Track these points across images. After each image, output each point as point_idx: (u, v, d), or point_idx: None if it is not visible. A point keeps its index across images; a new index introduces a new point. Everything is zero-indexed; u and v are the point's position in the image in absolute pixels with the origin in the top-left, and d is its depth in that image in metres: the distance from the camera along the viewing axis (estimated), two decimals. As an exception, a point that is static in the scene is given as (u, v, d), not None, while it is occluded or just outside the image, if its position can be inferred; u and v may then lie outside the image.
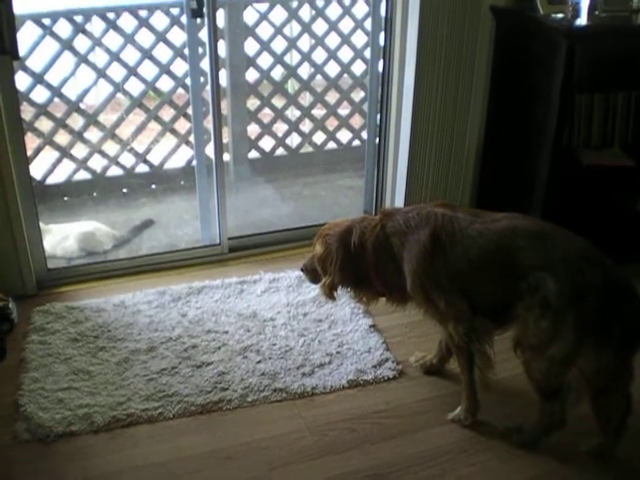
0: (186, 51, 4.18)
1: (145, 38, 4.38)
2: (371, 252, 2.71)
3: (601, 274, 2.43)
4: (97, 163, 4.56)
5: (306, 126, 4.98)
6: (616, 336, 2.38)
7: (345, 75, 4.91)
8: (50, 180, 4.51)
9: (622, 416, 2.54)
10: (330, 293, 2.84)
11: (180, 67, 4.45)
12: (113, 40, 4.32)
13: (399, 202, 3.93)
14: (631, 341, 2.43)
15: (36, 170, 4.26)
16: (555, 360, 2.44)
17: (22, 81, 4.10)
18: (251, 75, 4.62)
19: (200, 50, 4.00)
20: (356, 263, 2.74)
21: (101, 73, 4.35)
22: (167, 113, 4.58)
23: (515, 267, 2.49)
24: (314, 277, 2.92)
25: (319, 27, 4.76)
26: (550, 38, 3.35)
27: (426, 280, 2.62)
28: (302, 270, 2.98)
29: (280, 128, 4.92)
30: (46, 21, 4.17)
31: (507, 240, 2.52)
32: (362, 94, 4.96)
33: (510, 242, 2.52)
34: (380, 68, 3.91)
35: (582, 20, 3.35)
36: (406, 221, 2.66)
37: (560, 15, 3.36)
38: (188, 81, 4.19)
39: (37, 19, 4.15)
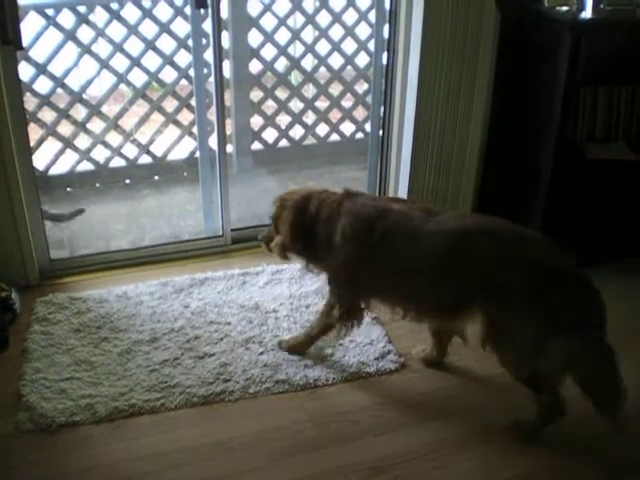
0: (190, 42, 4.19)
1: (149, 29, 4.36)
2: (323, 224, 2.81)
3: (556, 265, 2.50)
4: (100, 154, 4.55)
5: (309, 118, 4.98)
6: (579, 322, 2.45)
7: (349, 67, 4.90)
8: (53, 171, 4.50)
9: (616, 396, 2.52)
10: (281, 252, 2.98)
11: (183, 58, 4.44)
12: (116, 31, 4.31)
13: (402, 194, 3.93)
14: (594, 324, 2.50)
15: (39, 161, 4.26)
16: (523, 353, 2.52)
17: (25, 71, 4.09)
18: (254, 66, 4.62)
19: (204, 41, 4.00)
20: (307, 230, 2.86)
21: (104, 64, 4.34)
22: (170, 104, 4.58)
23: (469, 266, 2.54)
24: (268, 242, 3.06)
25: (323, 19, 4.74)
26: (555, 31, 3.34)
27: (347, 267, 2.78)
28: (259, 239, 3.12)
29: (283, 120, 4.91)
30: (49, 11, 4.15)
31: (459, 241, 2.57)
32: (366, 86, 4.95)
33: (462, 243, 2.56)
34: (384, 60, 3.89)
35: (587, 13, 3.32)
36: (363, 209, 2.75)
37: (565, 8, 3.35)
38: (191, 72, 4.19)
39: (40, 9, 4.13)
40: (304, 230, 2.87)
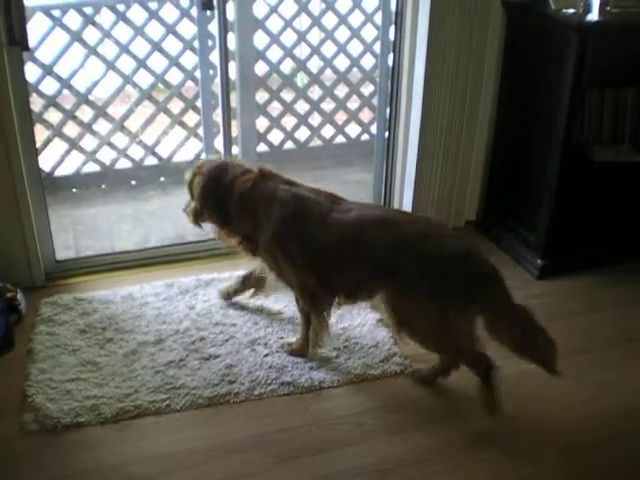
0: (196, 44, 4.19)
1: (155, 30, 4.37)
2: (236, 200, 2.91)
3: (448, 245, 2.68)
4: (106, 155, 4.55)
5: (315, 120, 4.97)
6: (480, 291, 2.65)
7: (355, 69, 4.89)
8: (59, 172, 4.51)
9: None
10: (194, 219, 3.09)
11: (190, 60, 4.44)
12: (123, 32, 4.32)
13: (408, 196, 3.92)
14: (498, 290, 2.69)
15: (45, 162, 4.27)
16: (431, 329, 2.74)
17: (32, 72, 4.10)
18: (260, 68, 4.61)
19: (210, 43, 4.00)
20: (220, 200, 2.95)
21: (110, 65, 4.34)
22: (176, 106, 4.58)
23: (368, 252, 2.72)
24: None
25: (329, 20, 4.74)
26: (561, 33, 3.33)
27: (278, 252, 2.88)
28: (182, 210, 3.18)
29: (289, 122, 4.91)
30: (56, 12, 4.16)
31: (358, 229, 2.74)
32: (371, 88, 4.94)
33: (361, 231, 2.73)
34: (390, 62, 3.89)
35: (593, 16, 3.32)
36: (277, 192, 2.86)
37: (571, 10, 3.34)
38: (197, 74, 4.20)
39: (47, 10, 4.14)
40: (215, 198, 2.97)
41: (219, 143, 3.88)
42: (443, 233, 2.77)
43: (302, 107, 4.93)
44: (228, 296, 3.39)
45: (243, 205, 2.91)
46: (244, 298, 3.39)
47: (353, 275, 2.82)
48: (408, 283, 2.65)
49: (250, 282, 3.31)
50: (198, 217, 3.08)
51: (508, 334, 2.66)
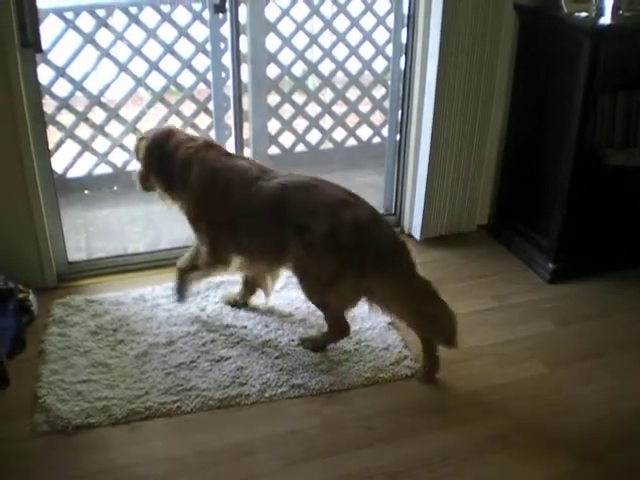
0: (208, 46, 4.19)
1: (167, 33, 4.38)
2: (178, 165, 3.07)
3: (361, 213, 2.83)
4: (118, 157, 4.56)
5: (326, 122, 4.97)
6: (381, 263, 2.79)
7: (366, 72, 4.89)
8: (71, 173, 4.52)
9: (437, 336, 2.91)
10: (141, 182, 3.26)
11: (202, 62, 4.45)
12: (135, 34, 4.33)
13: (419, 199, 3.92)
14: (401, 261, 2.85)
15: (57, 163, 4.28)
16: (324, 288, 2.90)
17: (44, 74, 4.11)
18: (272, 71, 4.62)
19: (222, 45, 4.00)
20: (164, 164, 3.12)
21: (123, 67, 4.35)
22: (188, 108, 4.59)
23: (286, 215, 2.88)
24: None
25: (341, 23, 4.74)
26: (574, 37, 3.33)
27: (199, 213, 3.08)
28: (133, 179, 3.32)
29: (300, 124, 4.91)
30: (69, 15, 4.17)
31: (279, 194, 2.90)
32: (383, 91, 4.94)
33: (281, 195, 2.90)
34: (402, 65, 3.89)
35: (606, 19, 3.31)
36: (216, 161, 3.05)
37: (584, 14, 3.33)
38: (210, 76, 4.20)
39: (60, 12, 4.15)
40: (159, 161, 3.13)
41: (231, 145, 3.88)
42: (359, 203, 2.90)
43: (313, 110, 4.93)
44: (235, 303, 3.41)
45: (184, 170, 3.06)
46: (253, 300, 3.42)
47: (273, 237, 2.96)
48: (316, 244, 2.82)
49: (252, 284, 3.36)
50: (145, 181, 3.23)
51: (408, 304, 2.84)
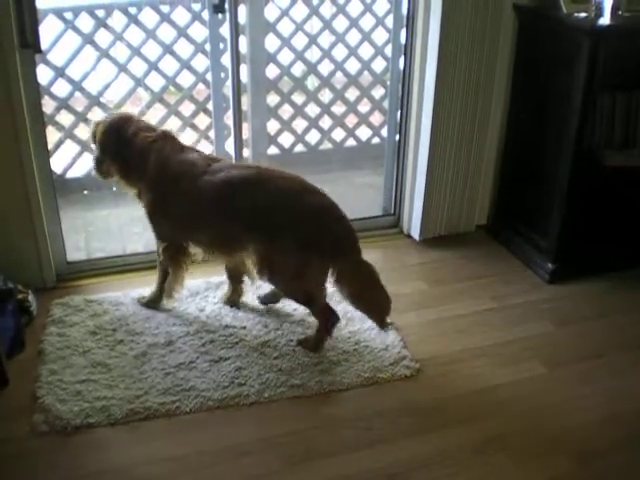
0: (207, 47, 4.19)
1: (166, 33, 4.38)
2: (135, 153, 3.10)
3: (315, 201, 2.92)
4: (117, 157, 4.56)
5: (326, 123, 4.97)
6: (336, 247, 2.91)
7: (365, 72, 4.88)
8: (70, 174, 4.52)
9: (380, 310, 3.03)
10: (98, 167, 3.24)
11: (201, 62, 4.44)
12: (134, 35, 4.33)
13: (418, 200, 3.92)
14: (349, 247, 2.95)
15: (57, 164, 4.28)
16: (294, 277, 2.96)
17: (44, 75, 4.11)
18: (271, 71, 4.62)
19: (221, 46, 4.01)
20: (120, 149, 3.13)
21: (122, 68, 4.35)
22: (187, 108, 4.59)
23: (239, 209, 2.94)
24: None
25: (340, 24, 4.74)
26: (573, 37, 3.33)
27: (155, 206, 3.11)
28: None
29: (300, 124, 4.91)
30: (68, 15, 4.17)
31: (226, 188, 2.95)
32: (382, 91, 4.94)
33: (229, 190, 2.95)
34: (401, 65, 3.90)
35: (605, 20, 3.31)
36: (171, 155, 3.08)
37: (583, 14, 3.33)
38: (209, 76, 4.19)
39: (59, 13, 4.15)
40: (116, 146, 3.14)
41: (230, 145, 3.89)
42: (310, 190, 2.96)
43: (313, 110, 4.93)
44: (234, 303, 3.42)
45: (140, 160, 3.09)
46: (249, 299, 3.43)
47: (226, 230, 3.02)
48: (277, 235, 2.88)
49: (235, 272, 3.38)
50: (101, 167, 3.23)
51: (353, 286, 2.94)
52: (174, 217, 3.11)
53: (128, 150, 3.11)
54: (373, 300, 3.02)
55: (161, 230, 3.19)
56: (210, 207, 3.00)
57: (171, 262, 3.23)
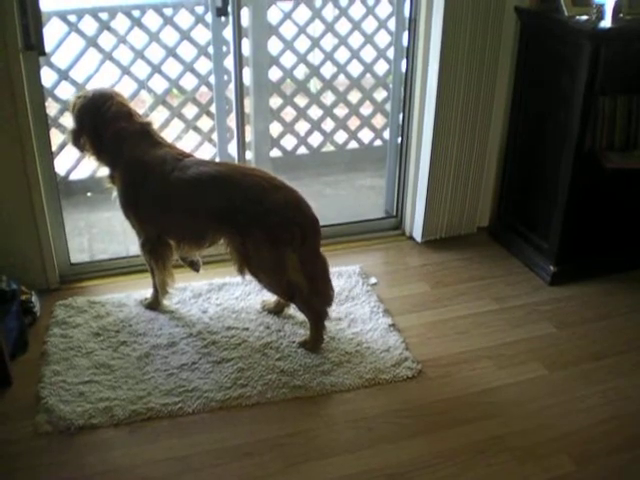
0: (210, 49, 4.20)
1: (170, 36, 4.39)
2: (110, 136, 3.12)
3: (282, 195, 2.94)
4: (120, 159, 4.57)
5: (328, 125, 4.98)
6: (299, 237, 2.93)
7: (368, 75, 4.90)
8: (74, 176, 4.54)
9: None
10: (73, 139, 3.23)
11: (204, 65, 4.46)
12: (138, 37, 4.34)
13: (420, 202, 3.93)
14: (310, 237, 2.99)
15: (60, 165, 4.29)
16: (268, 271, 3.02)
17: (47, 77, 4.13)
18: (274, 74, 4.63)
19: (224, 48, 4.02)
20: (96, 126, 3.13)
21: (125, 70, 4.37)
22: (190, 111, 4.60)
23: (208, 205, 2.97)
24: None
25: (342, 26, 4.75)
26: (574, 40, 3.34)
27: (126, 200, 3.14)
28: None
29: (302, 127, 4.92)
30: (72, 18, 4.19)
31: (196, 186, 2.97)
32: (384, 94, 4.96)
33: (199, 187, 2.97)
34: (403, 68, 3.90)
35: (606, 22, 3.31)
36: (145, 150, 3.09)
37: (584, 17, 3.34)
38: (212, 79, 4.21)
39: (63, 15, 4.17)
40: (92, 120, 3.14)
41: (233, 148, 3.90)
42: (278, 186, 2.97)
43: (315, 112, 4.94)
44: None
45: (116, 146, 3.12)
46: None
47: (196, 226, 3.05)
48: (247, 231, 2.92)
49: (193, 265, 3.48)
50: (76, 140, 3.22)
51: (307, 276, 2.99)
52: (144, 212, 3.13)
53: (104, 131, 3.11)
54: (321, 292, 3.09)
55: (133, 223, 3.21)
56: (179, 203, 3.03)
57: (151, 256, 3.25)
